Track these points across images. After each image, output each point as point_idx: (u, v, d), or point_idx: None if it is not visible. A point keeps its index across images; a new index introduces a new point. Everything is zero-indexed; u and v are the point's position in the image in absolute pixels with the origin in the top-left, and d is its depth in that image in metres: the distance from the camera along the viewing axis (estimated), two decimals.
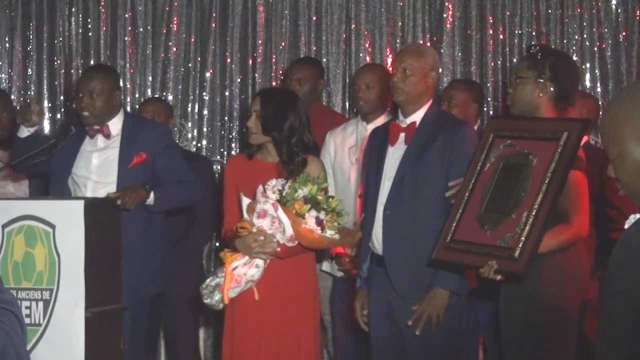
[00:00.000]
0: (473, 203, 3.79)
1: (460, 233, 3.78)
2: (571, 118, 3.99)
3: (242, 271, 4.00)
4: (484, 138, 3.91)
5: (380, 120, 4.94)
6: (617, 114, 1.96)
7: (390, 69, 5.24)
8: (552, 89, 3.79)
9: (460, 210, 3.81)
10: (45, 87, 6.37)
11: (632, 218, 2.03)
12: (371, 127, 4.84)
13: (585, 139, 4.83)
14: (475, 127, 5.12)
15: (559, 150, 3.60)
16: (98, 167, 4.51)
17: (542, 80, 3.78)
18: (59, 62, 6.34)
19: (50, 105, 6.37)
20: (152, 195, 4.35)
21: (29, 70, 6.37)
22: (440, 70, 5.47)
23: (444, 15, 6.02)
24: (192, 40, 6.26)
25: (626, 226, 2.00)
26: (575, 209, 3.67)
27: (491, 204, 3.73)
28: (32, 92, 6.36)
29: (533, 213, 3.56)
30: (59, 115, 6.36)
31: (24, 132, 4.52)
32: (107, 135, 4.53)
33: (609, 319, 1.87)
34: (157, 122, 4.98)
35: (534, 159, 3.67)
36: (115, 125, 4.55)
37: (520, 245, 3.53)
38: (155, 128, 4.64)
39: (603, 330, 1.89)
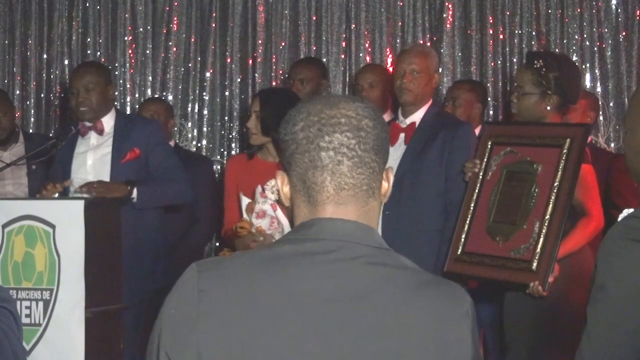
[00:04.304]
0: (480, 213, 3.80)
1: (470, 245, 3.79)
2: (572, 123, 4.00)
3: None
4: (481, 145, 3.92)
5: None
6: None
7: (392, 69, 5.24)
8: (557, 99, 3.82)
9: (467, 221, 3.82)
10: (44, 87, 6.37)
11: (625, 212, 2.04)
12: None
13: (588, 139, 4.84)
14: (479, 128, 5.12)
15: (563, 158, 3.62)
16: (93, 167, 4.51)
17: (548, 93, 3.81)
18: (58, 61, 6.34)
19: (47, 104, 6.38)
20: (135, 191, 4.34)
21: (29, 70, 6.37)
22: (440, 70, 5.48)
23: (444, 15, 6.02)
24: (192, 40, 6.25)
25: (619, 218, 2.02)
26: (590, 200, 3.71)
27: (499, 214, 3.74)
28: (31, 92, 6.36)
29: (545, 224, 3.57)
30: (55, 114, 6.36)
31: None
32: (101, 132, 4.53)
33: (589, 309, 1.91)
34: (149, 119, 4.97)
35: (538, 167, 3.68)
36: (108, 122, 4.56)
37: (536, 258, 3.55)
38: (148, 125, 4.63)
39: (585, 323, 1.93)
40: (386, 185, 1.61)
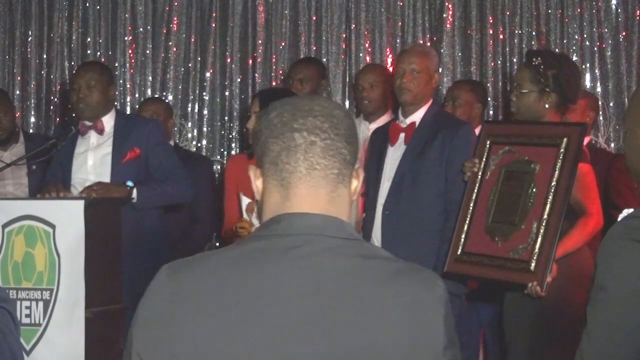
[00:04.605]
0: (479, 213, 3.80)
1: (470, 245, 3.80)
2: (569, 122, 4.00)
3: None
4: (480, 144, 3.92)
5: (383, 120, 4.95)
6: None
7: (392, 69, 5.25)
8: (556, 97, 3.81)
9: (467, 221, 3.82)
10: (44, 87, 6.37)
11: (625, 212, 2.05)
12: (374, 126, 4.84)
13: (587, 139, 4.84)
14: (479, 128, 5.13)
15: (560, 158, 3.61)
16: (94, 168, 4.51)
17: (547, 91, 3.79)
18: (58, 61, 6.34)
19: (47, 104, 6.39)
20: (135, 192, 4.34)
21: (29, 70, 6.37)
22: (440, 70, 5.48)
23: (444, 15, 6.02)
24: (192, 40, 6.25)
25: (619, 218, 2.03)
26: (589, 199, 3.70)
27: (498, 214, 3.74)
28: (31, 92, 6.36)
29: (543, 224, 3.57)
30: (56, 114, 6.36)
31: None
32: (101, 131, 4.52)
33: (589, 309, 1.91)
34: (149, 119, 4.96)
35: (536, 167, 3.68)
36: (108, 122, 4.56)
37: (534, 258, 3.55)
38: (147, 124, 4.63)
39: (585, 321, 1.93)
40: (356, 183, 1.64)
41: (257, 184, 1.64)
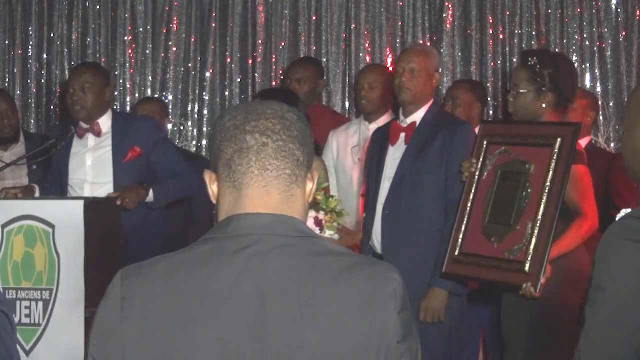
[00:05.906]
0: (476, 214, 3.80)
1: (467, 245, 3.79)
2: (563, 122, 3.99)
3: None
4: (478, 144, 3.92)
5: (383, 120, 4.94)
6: None
7: (393, 68, 5.25)
8: (553, 97, 3.80)
9: (465, 222, 3.82)
10: (44, 87, 6.37)
11: (623, 212, 2.05)
12: (374, 127, 4.84)
13: (587, 139, 4.84)
14: (479, 128, 5.12)
15: (554, 158, 3.61)
16: (92, 168, 4.50)
17: (543, 90, 3.78)
18: (58, 62, 6.34)
19: (47, 104, 6.39)
20: (151, 193, 4.36)
21: (29, 70, 6.37)
22: (440, 70, 5.48)
23: (444, 15, 6.02)
24: (192, 40, 6.26)
25: (617, 218, 2.03)
26: (585, 201, 3.69)
27: (494, 214, 3.74)
28: (31, 92, 6.37)
29: (537, 224, 3.57)
30: (56, 114, 6.37)
31: None
32: (98, 133, 4.52)
33: (588, 310, 1.91)
34: (146, 117, 4.96)
35: (531, 167, 3.68)
36: (105, 123, 4.55)
37: (529, 259, 3.55)
38: (145, 123, 4.63)
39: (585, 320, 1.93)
40: (311, 185, 1.65)
41: (213, 187, 1.68)
